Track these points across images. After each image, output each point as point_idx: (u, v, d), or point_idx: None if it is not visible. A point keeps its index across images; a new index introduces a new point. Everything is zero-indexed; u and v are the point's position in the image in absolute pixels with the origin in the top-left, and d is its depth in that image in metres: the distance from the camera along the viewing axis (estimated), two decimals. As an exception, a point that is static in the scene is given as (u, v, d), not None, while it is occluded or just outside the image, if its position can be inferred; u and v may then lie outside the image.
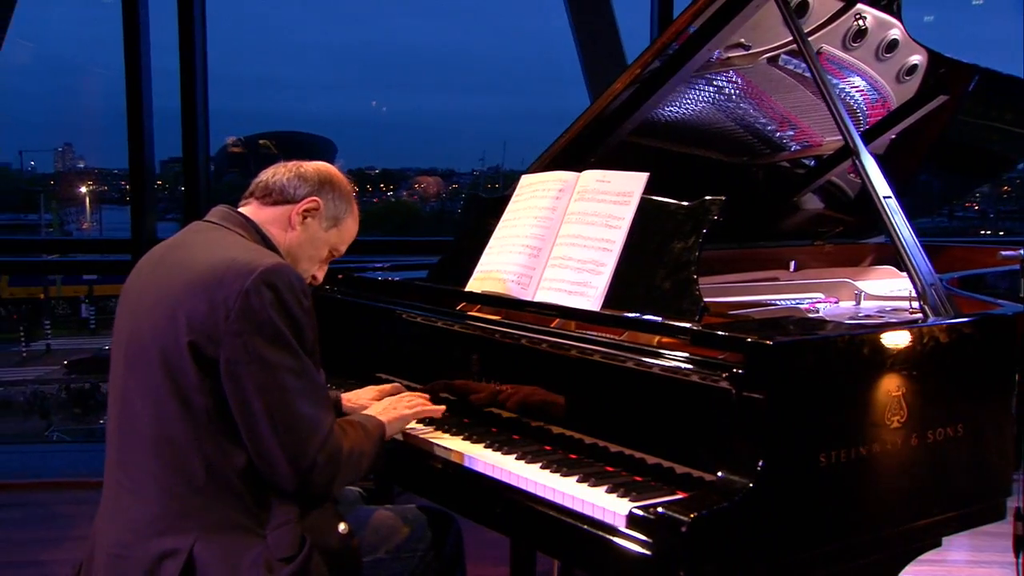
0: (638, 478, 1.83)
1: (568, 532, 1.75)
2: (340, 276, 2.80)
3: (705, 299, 2.61)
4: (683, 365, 1.77)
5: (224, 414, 1.76)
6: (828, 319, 2.31)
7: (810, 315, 2.48)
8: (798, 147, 3.37)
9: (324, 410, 1.82)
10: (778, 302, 2.60)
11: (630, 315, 2.01)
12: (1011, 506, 3.73)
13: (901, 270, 3.41)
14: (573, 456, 1.97)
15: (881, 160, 3.48)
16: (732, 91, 3.00)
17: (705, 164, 3.27)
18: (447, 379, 2.35)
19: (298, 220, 2.02)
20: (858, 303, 2.85)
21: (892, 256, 3.62)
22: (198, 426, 1.76)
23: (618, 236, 2.14)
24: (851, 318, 2.65)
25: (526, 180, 2.47)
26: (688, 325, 1.87)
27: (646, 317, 1.98)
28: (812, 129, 3.33)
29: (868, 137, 3.21)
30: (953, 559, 3.60)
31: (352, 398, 2.33)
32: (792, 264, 3.46)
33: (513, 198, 2.46)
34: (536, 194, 2.39)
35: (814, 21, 2.78)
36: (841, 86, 3.13)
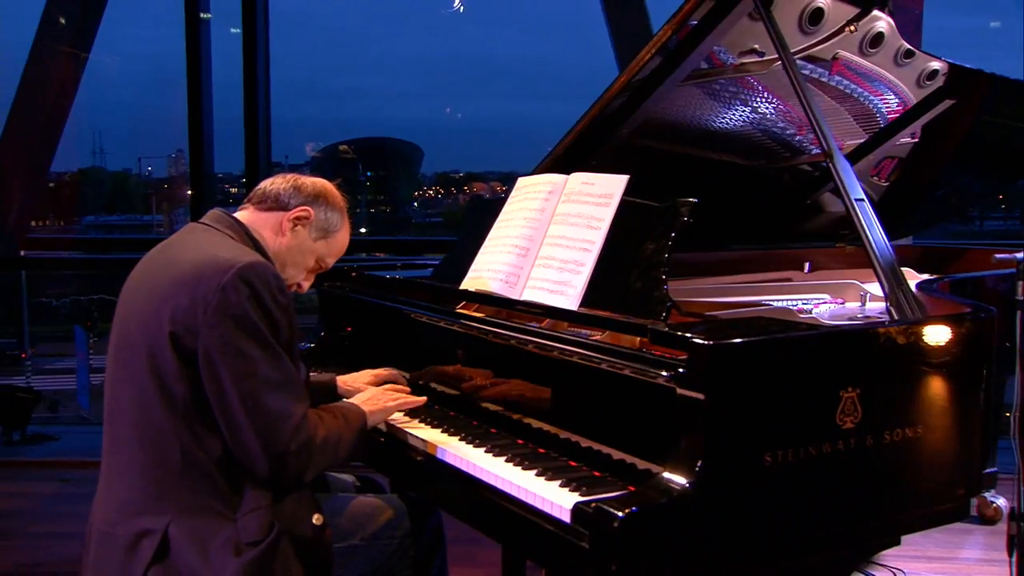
0: (597, 473, 1.79)
1: (523, 524, 1.72)
2: (353, 274, 2.82)
3: (699, 299, 2.57)
4: (639, 365, 1.72)
5: (201, 403, 1.78)
6: (803, 320, 2.22)
7: (802, 316, 2.39)
8: (818, 151, 3.28)
9: (297, 400, 1.83)
10: (772, 303, 2.51)
11: (590, 312, 1.98)
12: (1006, 506, 3.57)
13: (921, 272, 3.32)
14: (542, 450, 1.94)
15: (904, 163, 3.41)
16: (749, 96, 2.93)
17: (724, 168, 3.19)
18: (437, 372, 2.34)
19: (288, 227, 2.04)
20: (863, 304, 2.76)
21: (913, 259, 3.52)
22: (176, 414, 1.78)
23: (597, 237, 2.10)
24: (848, 319, 2.56)
25: (521, 182, 2.45)
26: (643, 323, 1.81)
27: (603, 315, 1.94)
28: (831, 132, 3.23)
29: (877, 141, 3.12)
30: (965, 557, 3.45)
31: (348, 380, 2.33)
32: (807, 265, 3.36)
33: (509, 199, 2.44)
34: (528, 196, 2.37)
35: (829, 28, 2.71)
36: (860, 91, 3.04)
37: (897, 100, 3.10)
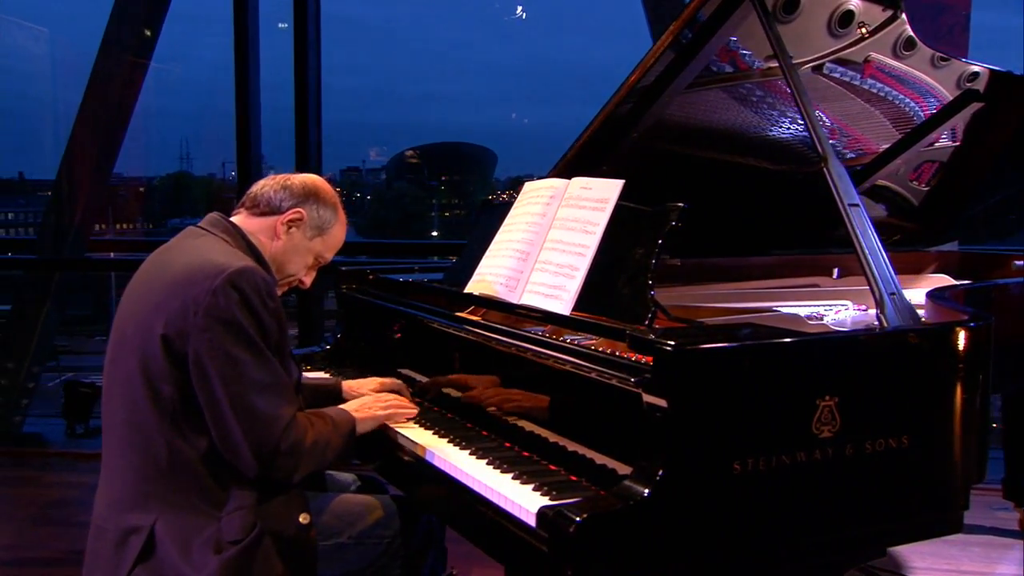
0: (574, 478, 1.78)
1: (495, 527, 1.71)
2: (371, 277, 2.85)
3: (705, 305, 2.53)
4: (614, 370, 1.71)
5: (188, 404, 1.81)
6: (809, 328, 2.16)
7: (811, 323, 2.33)
8: (852, 155, 3.21)
9: (286, 402, 1.85)
10: (781, 309, 2.45)
11: (579, 317, 1.97)
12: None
13: (959, 279, 3.21)
14: (526, 454, 1.93)
15: (946, 167, 3.31)
16: (777, 100, 2.88)
17: (753, 172, 3.14)
18: (436, 374, 2.36)
19: (283, 230, 2.05)
20: (888, 312, 2.67)
21: (952, 265, 3.41)
22: (164, 414, 1.81)
23: (592, 241, 2.08)
24: (865, 326, 2.49)
25: (528, 187, 2.45)
26: (625, 328, 1.79)
27: (591, 319, 1.92)
28: (865, 136, 3.17)
29: (903, 145, 3.04)
30: (1001, 572, 3.32)
31: (354, 386, 2.35)
32: (836, 271, 3.27)
33: (515, 204, 2.44)
34: (532, 200, 2.37)
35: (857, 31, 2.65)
36: (895, 94, 2.97)
37: (937, 102, 3.02)
